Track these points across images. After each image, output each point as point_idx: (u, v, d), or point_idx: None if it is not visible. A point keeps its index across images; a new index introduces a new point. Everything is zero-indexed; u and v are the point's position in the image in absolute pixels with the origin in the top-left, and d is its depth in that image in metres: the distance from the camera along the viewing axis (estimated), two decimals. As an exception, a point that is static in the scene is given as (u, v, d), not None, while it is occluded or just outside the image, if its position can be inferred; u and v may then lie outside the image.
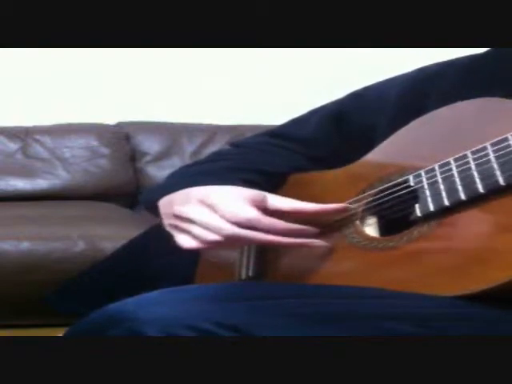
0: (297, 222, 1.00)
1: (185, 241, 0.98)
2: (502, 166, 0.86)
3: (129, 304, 0.81)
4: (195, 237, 0.97)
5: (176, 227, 1.00)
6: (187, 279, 1.13)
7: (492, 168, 0.86)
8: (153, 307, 0.79)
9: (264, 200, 0.99)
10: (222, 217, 0.95)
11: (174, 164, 3.01)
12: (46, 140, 3.03)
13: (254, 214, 0.95)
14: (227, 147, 1.22)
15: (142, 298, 0.82)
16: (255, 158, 1.14)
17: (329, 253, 0.99)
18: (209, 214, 0.96)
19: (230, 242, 0.97)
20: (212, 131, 3.15)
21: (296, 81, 3.23)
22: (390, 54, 2.74)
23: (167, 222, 1.01)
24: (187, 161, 3.05)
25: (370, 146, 1.06)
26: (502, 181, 0.85)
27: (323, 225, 1.01)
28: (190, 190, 1.01)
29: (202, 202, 0.97)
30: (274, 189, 1.11)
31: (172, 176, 1.13)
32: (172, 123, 3.18)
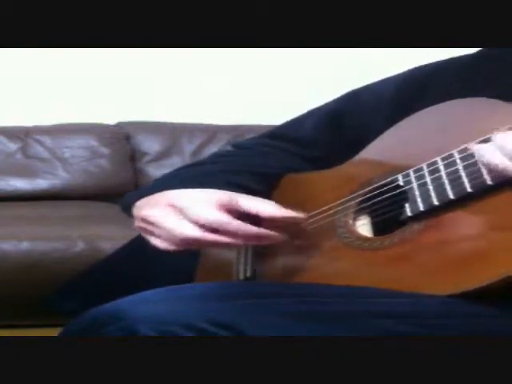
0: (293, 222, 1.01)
1: (156, 242, 1.00)
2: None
3: (123, 303, 0.81)
4: (163, 239, 0.99)
5: (144, 230, 1.02)
6: (187, 279, 1.13)
7: (479, 167, 0.87)
8: (146, 306, 0.79)
9: (232, 202, 1.00)
10: (190, 220, 0.97)
11: (173, 164, 3.01)
12: (46, 140, 3.03)
13: (218, 217, 0.96)
14: (229, 148, 1.23)
15: (136, 296, 0.82)
16: (250, 159, 1.15)
17: (324, 253, 0.99)
18: (175, 217, 0.98)
19: (196, 244, 0.99)
20: (212, 131, 3.16)
21: (296, 81, 3.23)
22: (390, 54, 2.74)
23: (136, 224, 1.04)
24: (187, 161, 3.05)
25: (366, 144, 1.06)
26: (489, 180, 0.85)
27: (316, 225, 1.02)
28: (162, 193, 1.03)
29: (171, 206, 0.99)
30: (269, 190, 1.12)
31: (158, 179, 1.15)
32: (172, 123, 3.18)
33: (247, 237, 0.97)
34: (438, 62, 1.12)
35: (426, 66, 1.13)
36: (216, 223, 0.96)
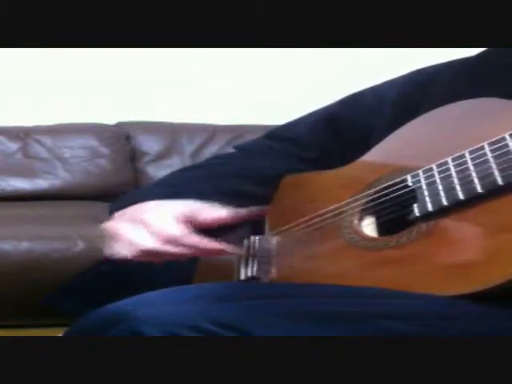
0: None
1: (116, 249, 1.05)
2: (499, 165, 0.86)
3: (127, 304, 0.81)
4: (124, 249, 1.04)
5: (107, 238, 1.06)
6: (186, 279, 1.13)
7: (490, 167, 0.86)
8: (151, 307, 0.79)
9: (193, 216, 1.05)
10: (150, 232, 1.03)
11: (173, 164, 3.01)
12: (46, 140, 3.03)
13: (175, 232, 1.02)
14: (230, 150, 1.24)
15: (140, 297, 0.82)
16: (247, 162, 1.16)
17: (328, 253, 0.99)
18: (136, 229, 1.03)
19: (153, 255, 1.03)
20: (212, 131, 3.16)
21: (296, 81, 3.23)
22: (390, 54, 2.74)
23: (102, 233, 1.08)
24: (187, 161, 3.05)
25: (367, 146, 1.06)
26: (500, 180, 0.85)
27: (321, 225, 1.02)
28: (132, 207, 1.08)
29: (133, 219, 1.04)
30: (267, 191, 1.12)
31: (147, 185, 1.21)
32: (172, 123, 3.18)
33: (203, 251, 1.03)
34: (438, 64, 1.13)
35: (427, 68, 1.13)
36: (173, 237, 1.02)
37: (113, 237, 1.05)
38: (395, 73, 1.17)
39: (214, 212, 1.06)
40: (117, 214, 1.09)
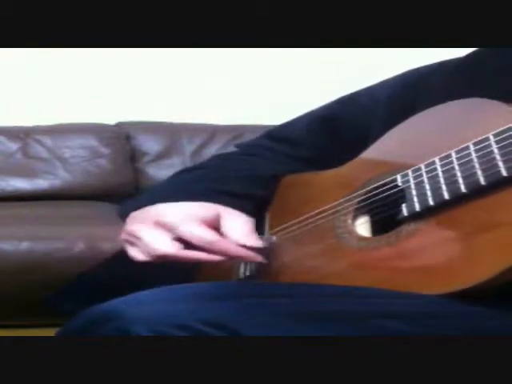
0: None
1: (134, 253, 1.03)
2: (482, 165, 0.86)
3: (117, 303, 0.81)
4: (141, 251, 1.02)
5: (127, 241, 1.04)
6: (187, 280, 1.13)
7: (474, 167, 0.87)
8: (141, 306, 0.79)
9: (216, 220, 1.02)
10: (177, 237, 1.00)
11: (173, 164, 3.01)
12: (46, 140, 3.03)
13: (205, 236, 0.99)
14: (232, 149, 1.24)
15: (131, 297, 0.82)
16: (242, 163, 1.16)
17: (323, 253, 1.00)
18: (157, 232, 1.01)
19: (173, 259, 1.01)
20: (212, 131, 3.16)
21: (296, 81, 3.23)
22: (390, 54, 2.74)
23: (122, 236, 1.06)
24: (187, 161, 3.06)
25: (365, 146, 1.07)
26: (482, 180, 0.86)
27: (316, 225, 1.02)
28: (151, 208, 1.05)
29: (156, 223, 1.01)
30: (265, 192, 1.12)
31: (154, 187, 1.17)
32: (172, 123, 3.18)
33: (231, 256, 1.00)
34: (433, 63, 1.13)
35: (420, 67, 1.14)
36: (203, 241, 0.99)
37: (132, 240, 1.03)
38: (395, 73, 1.17)
39: (230, 225, 1.03)
40: (131, 216, 1.06)
